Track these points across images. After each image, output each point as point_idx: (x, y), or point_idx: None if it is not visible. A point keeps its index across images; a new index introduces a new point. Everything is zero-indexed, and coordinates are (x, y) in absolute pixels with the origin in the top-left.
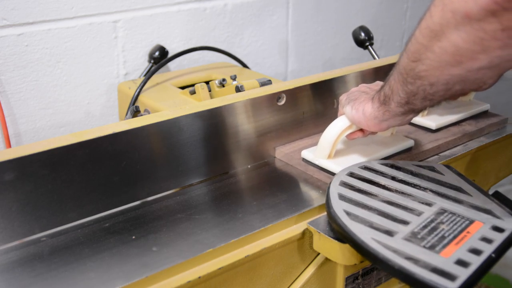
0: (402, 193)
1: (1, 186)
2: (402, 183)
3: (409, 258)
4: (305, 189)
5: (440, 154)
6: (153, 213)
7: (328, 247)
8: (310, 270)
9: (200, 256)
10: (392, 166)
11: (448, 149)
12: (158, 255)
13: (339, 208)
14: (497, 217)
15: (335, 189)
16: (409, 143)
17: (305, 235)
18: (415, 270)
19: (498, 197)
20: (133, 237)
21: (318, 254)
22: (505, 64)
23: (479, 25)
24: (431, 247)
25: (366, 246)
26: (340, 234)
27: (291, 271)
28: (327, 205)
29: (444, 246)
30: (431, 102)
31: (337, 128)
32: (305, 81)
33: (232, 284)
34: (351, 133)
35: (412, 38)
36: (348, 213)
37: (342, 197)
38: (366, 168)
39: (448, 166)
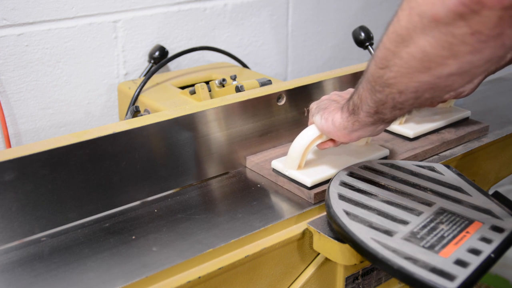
0: (402, 193)
1: (1, 186)
2: (402, 183)
3: (408, 258)
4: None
5: (440, 154)
6: (153, 213)
7: (328, 247)
8: (310, 270)
9: (200, 256)
10: (392, 166)
11: (425, 158)
12: (158, 255)
13: (339, 208)
14: (497, 217)
15: (335, 189)
16: (384, 152)
17: (305, 235)
18: (414, 270)
19: (498, 197)
20: (133, 237)
21: (318, 254)
22: (475, 70)
23: (447, 29)
24: (430, 247)
25: (366, 246)
26: (340, 234)
27: (291, 271)
28: (327, 205)
29: (444, 246)
30: (401, 111)
31: (307, 138)
32: (305, 81)
33: (232, 284)
34: (322, 143)
35: (380, 44)
36: (347, 213)
37: (342, 197)
38: (366, 167)
39: (448, 166)
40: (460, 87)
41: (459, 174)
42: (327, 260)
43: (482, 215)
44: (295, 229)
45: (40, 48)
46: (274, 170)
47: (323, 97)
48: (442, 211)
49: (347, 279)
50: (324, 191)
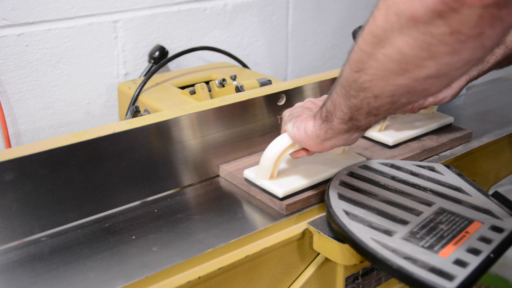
0: (402, 192)
1: (1, 186)
2: (401, 182)
3: (408, 258)
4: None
5: (440, 154)
6: (153, 213)
7: (328, 247)
8: (310, 270)
9: (200, 256)
10: (392, 166)
11: None
12: (158, 255)
13: (339, 207)
14: (496, 217)
15: (335, 189)
16: (361, 161)
17: (305, 235)
18: (413, 270)
19: (498, 197)
20: (133, 237)
21: (318, 254)
22: (454, 72)
23: (426, 28)
24: (430, 247)
25: (365, 246)
26: (340, 233)
27: (291, 271)
28: (327, 205)
29: (443, 246)
30: (376, 118)
31: (279, 147)
32: (305, 81)
33: (232, 284)
34: (295, 152)
35: (355, 46)
36: (347, 213)
37: (341, 197)
38: (366, 167)
39: (448, 166)
40: (437, 92)
41: (459, 174)
42: (327, 260)
43: (482, 215)
44: (295, 229)
45: (40, 48)
46: (246, 179)
47: (297, 104)
48: (441, 211)
49: (347, 279)
50: (297, 201)
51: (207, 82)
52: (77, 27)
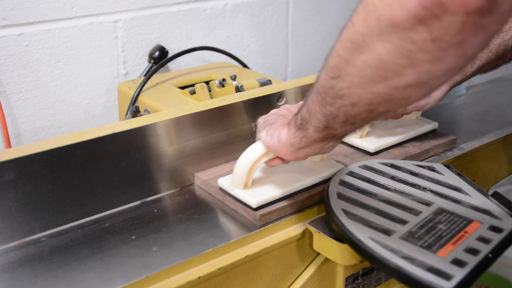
0: (401, 192)
1: (1, 186)
2: (401, 182)
3: (406, 257)
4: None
5: (440, 154)
6: (153, 213)
7: (328, 247)
8: (310, 270)
9: (200, 256)
10: (392, 166)
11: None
12: (158, 255)
13: (337, 207)
14: (496, 217)
15: (334, 188)
16: (339, 168)
17: (305, 235)
18: (411, 269)
19: (497, 198)
20: (133, 237)
21: (318, 254)
22: (434, 81)
23: (406, 34)
24: (428, 247)
25: (363, 245)
26: (338, 233)
27: (291, 271)
28: (326, 204)
29: (441, 246)
30: (353, 127)
31: (253, 155)
32: (305, 81)
33: (232, 284)
34: (269, 160)
35: (332, 51)
36: (346, 212)
37: (340, 196)
38: (366, 167)
39: (448, 166)
40: (416, 101)
41: (459, 174)
42: (327, 260)
43: (481, 215)
44: (295, 229)
45: (40, 48)
46: (220, 188)
47: (272, 111)
48: (441, 211)
49: (347, 279)
50: (271, 212)
51: (207, 82)
52: (77, 27)
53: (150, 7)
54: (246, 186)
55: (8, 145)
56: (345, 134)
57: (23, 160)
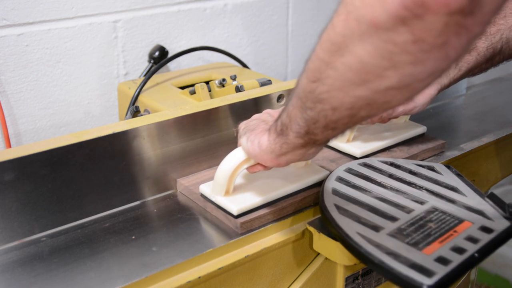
0: (397, 190)
1: (1, 186)
2: (398, 181)
3: (390, 253)
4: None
5: (441, 154)
6: (153, 213)
7: (328, 247)
8: (310, 270)
9: (200, 256)
10: (391, 164)
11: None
12: (158, 255)
13: (330, 202)
14: (488, 218)
15: (330, 184)
16: (324, 174)
17: (305, 235)
18: (393, 265)
19: (493, 199)
20: (133, 237)
21: (318, 254)
22: (416, 84)
23: (388, 35)
24: (415, 244)
25: (350, 240)
26: (329, 227)
27: (291, 271)
28: (320, 199)
29: (428, 244)
30: (334, 132)
31: (233, 161)
32: None
33: (232, 284)
34: (251, 167)
35: (312, 54)
36: (338, 207)
37: (335, 192)
38: (366, 165)
39: (448, 167)
40: (398, 104)
41: (458, 175)
42: (327, 260)
43: (474, 215)
44: (295, 229)
45: (40, 48)
46: (202, 195)
47: (254, 116)
48: (433, 210)
49: (347, 279)
50: (253, 219)
51: (207, 82)
52: (77, 27)
53: (150, 7)
54: (227, 192)
55: (8, 145)
56: (327, 140)
57: (23, 160)
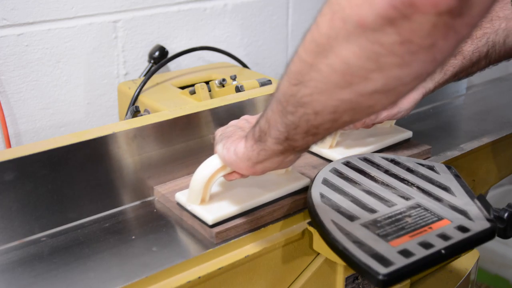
0: (387, 185)
1: (1, 186)
2: (392, 176)
3: (356, 242)
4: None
5: (441, 154)
6: (152, 213)
7: (328, 247)
8: (310, 270)
9: (200, 256)
10: (392, 161)
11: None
12: (158, 255)
13: (316, 190)
14: (469, 219)
15: (322, 174)
16: (305, 182)
17: (305, 235)
18: (355, 252)
19: (481, 201)
20: (133, 237)
21: (318, 254)
22: (401, 88)
23: (375, 36)
24: (384, 236)
25: (322, 226)
26: (309, 214)
27: (291, 271)
28: (309, 187)
29: (398, 237)
30: (315, 138)
31: (209, 169)
32: None
33: (232, 284)
34: (227, 174)
35: (295, 56)
36: (322, 196)
37: (325, 182)
38: (365, 159)
39: (449, 167)
40: (382, 109)
41: (456, 176)
42: (327, 260)
43: (456, 214)
44: (295, 229)
45: (40, 48)
46: (178, 203)
47: (231, 122)
48: (416, 206)
49: (347, 279)
50: (228, 229)
51: (207, 82)
52: (77, 27)
53: (150, 7)
54: (203, 201)
55: (8, 145)
56: (307, 146)
57: (23, 160)
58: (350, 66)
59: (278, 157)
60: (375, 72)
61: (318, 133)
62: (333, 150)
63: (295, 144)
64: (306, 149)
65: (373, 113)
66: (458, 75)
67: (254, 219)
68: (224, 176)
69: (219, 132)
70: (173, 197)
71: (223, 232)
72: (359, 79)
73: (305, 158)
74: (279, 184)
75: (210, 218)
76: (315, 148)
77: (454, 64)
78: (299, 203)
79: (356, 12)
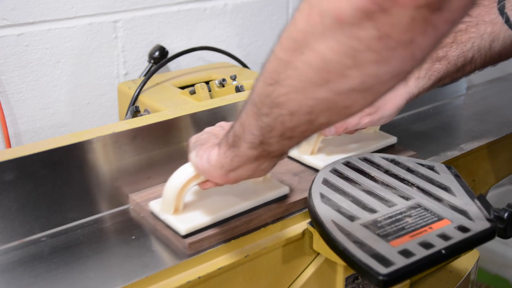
0: (387, 185)
1: (1, 186)
2: (392, 176)
3: (357, 242)
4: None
5: (441, 154)
6: (152, 213)
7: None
8: (310, 270)
9: (200, 256)
10: (392, 161)
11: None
12: (158, 255)
13: (317, 191)
14: (469, 219)
15: (322, 174)
16: (282, 190)
17: (305, 235)
18: (356, 253)
19: (481, 201)
20: (133, 237)
21: (318, 254)
22: (379, 87)
23: (352, 31)
24: (385, 236)
25: (322, 227)
26: (310, 214)
27: (291, 271)
28: (309, 187)
29: (398, 237)
30: (291, 142)
31: (182, 177)
32: None
33: (232, 284)
34: (201, 183)
35: (271, 55)
36: (322, 196)
37: (325, 182)
38: (366, 159)
39: (449, 167)
40: (360, 110)
41: (456, 176)
42: (327, 260)
43: (456, 214)
44: (295, 229)
45: (40, 48)
46: (151, 213)
47: (206, 129)
48: (416, 206)
49: (347, 279)
50: (202, 239)
51: (207, 82)
52: (77, 27)
53: (150, 7)
54: (176, 210)
55: (8, 145)
56: (282, 151)
57: (23, 160)
58: (326, 62)
59: (252, 164)
60: (352, 68)
61: (294, 137)
62: (315, 157)
63: (270, 148)
64: (281, 155)
65: (351, 115)
66: (443, 80)
67: (229, 229)
68: (198, 184)
69: (193, 139)
70: (147, 205)
71: (197, 243)
72: (335, 76)
73: (286, 164)
74: (256, 193)
75: (183, 228)
76: (296, 155)
77: (438, 69)
78: (277, 212)
79: (334, 5)
